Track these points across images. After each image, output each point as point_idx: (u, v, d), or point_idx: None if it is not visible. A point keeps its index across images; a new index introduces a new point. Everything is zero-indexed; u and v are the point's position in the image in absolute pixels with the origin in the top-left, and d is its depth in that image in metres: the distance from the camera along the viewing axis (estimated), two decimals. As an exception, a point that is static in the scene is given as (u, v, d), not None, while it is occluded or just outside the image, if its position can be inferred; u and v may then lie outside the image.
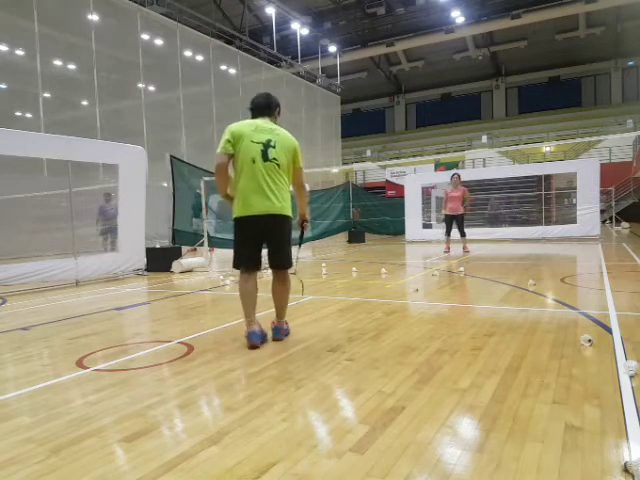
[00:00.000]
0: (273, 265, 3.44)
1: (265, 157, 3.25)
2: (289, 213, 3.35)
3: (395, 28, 27.30)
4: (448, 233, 10.54)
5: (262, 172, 3.24)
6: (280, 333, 3.49)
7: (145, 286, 7.07)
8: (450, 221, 10.47)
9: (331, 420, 2.04)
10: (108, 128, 13.79)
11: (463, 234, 10.40)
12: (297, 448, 1.81)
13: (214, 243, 10.22)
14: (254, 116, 3.48)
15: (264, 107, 3.49)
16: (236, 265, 3.42)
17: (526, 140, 28.83)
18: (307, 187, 3.46)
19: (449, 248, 10.55)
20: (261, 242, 3.39)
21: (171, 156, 9.69)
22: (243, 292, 3.35)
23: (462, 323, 3.78)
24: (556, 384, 2.35)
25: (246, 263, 3.38)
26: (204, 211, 8.88)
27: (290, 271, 3.53)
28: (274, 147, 3.29)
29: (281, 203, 3.28)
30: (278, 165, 3.29)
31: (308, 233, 3.35)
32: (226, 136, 3.28)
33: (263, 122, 3.39)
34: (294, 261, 3.58)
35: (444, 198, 10.67)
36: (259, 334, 3.31)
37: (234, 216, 3.36)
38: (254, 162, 3.23)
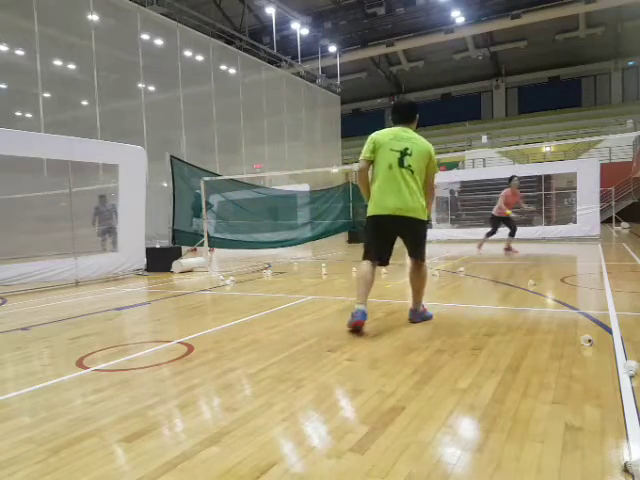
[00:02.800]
0: (410, 255, 3.80)
1: (401, 164, 3.56)
2: (421, 216, 3.60)
3: (395, 28, 27.27)
4: (493, 233, 10.06)
5: (397, 177, 3.55)
6: (416, 316, 3.84)
7: (145, 286, 7.07)
8: (500, 222, 9.98)
9: (331, 420, 2.04)
10: (108, 128, 13.79)
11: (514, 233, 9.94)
12: (297, 448, 1.81)
13: (214, 243, 10.22)
14: (395, 121, 3.77)
15: (407, 116, 3.77)
16: (364, 258, 3.73)
17: (526, 140, 28.80)
18: (434, 189, 3.80)
19: (510, 247, 9.95)
20: (390, 240, 3.70)
21: (171, 156, 9.69)
22: (360, 275, 3.66)
23: (462, 323, 3.78)
24: (556, 384, 2.35)
25: (372, 258, 3.69)
26: (204, 211, 8.88)
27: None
28: (410, 155, 3.57)
29: (414, 204, 3.55)
30: (412, 171, 3.57)
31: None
32: (368, 144, 3.67)
33: (402, 131, 3.68)
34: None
35: (504, 199, 10.00)
36: (364, 313, 3.50)
37: (367, 214, 3.72)
38: (390, 168, 3.56)
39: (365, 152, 3.66)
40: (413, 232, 3.67)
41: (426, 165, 3.64)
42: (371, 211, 3.67)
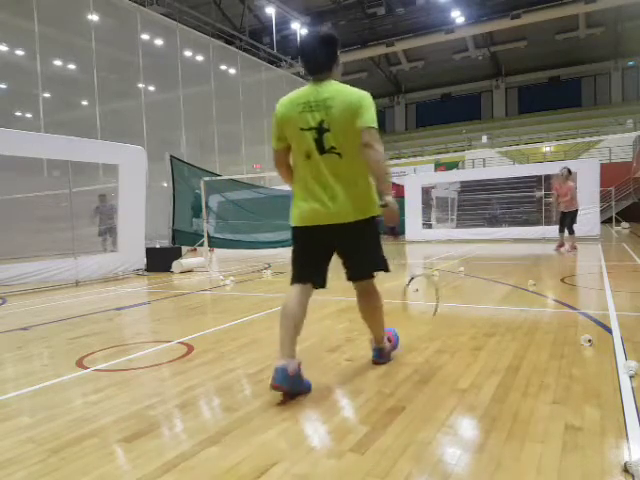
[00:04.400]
0: (353, 276, 2.66)
1: (321, 148, 2.38)
2: (365, 213, 2.46)
3: (395, 28, 27.28)
4: (562, 230, 9.88)
5: (319, 170, 2.40)
6: (382, 355, 2.81)
7: (145, 286, 7.07)
8: (563, 217, 9.82)
9: (331, 420, 2.04)
10: (108, 128, 13.79)
11: (571, 231, 9.71)
12: (297, 448, 1.81)
13: (214, 243, 10.22)
14: (307, 71, 2.53)
15: (319, 59, 2.45)
16: (291, 281, 2.59)
17: (526, 140, 28.81)
18: (380, 151, 2.32)
19: (563, 245, 9.88)
20: (322, 255, 2.58)
21: (171, 156, 9.71)
22: (283, 311, 2.46)
23: (462, 323, 3.78)
24: (556, 384, 2.35)
25: (302, 279, 2.55)
26: (204, 211, 8.89)
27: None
28: (329, 129, 2.36)
29: (353, 202, 2.41)
30: (340, 154, 2.38)
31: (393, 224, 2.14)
32: (273, 126, 2.52)
33: (315, 90, 2.41)
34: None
35: (555, 194, 9.96)
36: (287, 373, 2.25)
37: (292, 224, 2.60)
38: (309, 157, 2.41)
39: (272, 139, 2.53)
40: (354, 239, 2.50)
41: (355, 125, 2.33)
42: (293, 220, 2.54)
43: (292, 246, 2.60)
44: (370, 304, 2.70)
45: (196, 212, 10.10)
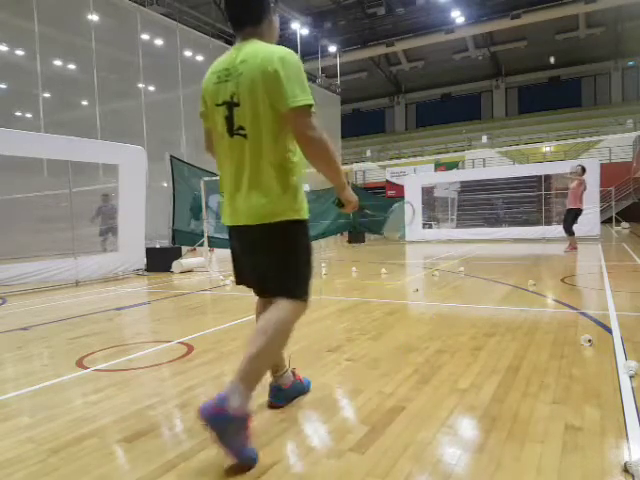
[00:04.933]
0: (263, 292, 2.13)
1: (230, 129, 1.89)
2: (271, 217, 1.85)
3: (395, 28, 27.28)
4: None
5: (229, 156, 1.92)
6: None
7: (145, 286, 7.07)
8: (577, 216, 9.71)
9: (331, 420, 2.04)
10: (108, 128, 13.80)
11: (570, 232, 9.63)
12: (297, 448, 1.81)
13: (213, 243, 10.22)
14: (233, 28, 1.97)
15: (246, 14, 1.92)
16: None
17: (526, 140, 28.82)
18: (321, 139, 1.78)
19: (574, 246, 9.75)
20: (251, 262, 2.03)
21: (171, 156, 9.71)
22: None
23: (462, 323, 3.78)
24: (556, 384, 2.35)
25: (248, 286, 2.15)
26: (204, 211, 8.88)
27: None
28: (239, 104, 1.84)
29: (259, 198, 1.85)
30: (246, 137, 1.85)
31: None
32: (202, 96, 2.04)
33: (234, 53, 1.89)
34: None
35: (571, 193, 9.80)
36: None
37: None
38: (223, 138, 1.94)
39: (200, 115, 2.10)
40: (255, 250, 1.94)
41: (270, 101, 1.78)
42: (223, 219, 2.08)
43: None
44: (270, 322, 1.86)
45: (195, 214, 10.09)
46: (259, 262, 1.95)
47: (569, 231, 9.72)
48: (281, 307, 1.88)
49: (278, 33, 2.03)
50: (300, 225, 1.93)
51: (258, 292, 2.14)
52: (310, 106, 1.76)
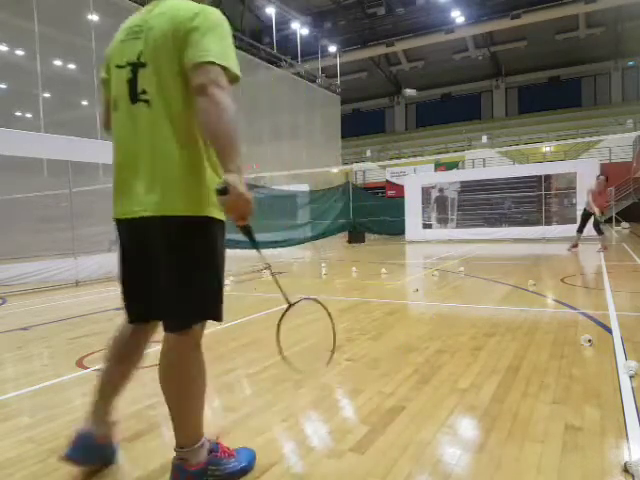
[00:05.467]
0: (157, 315, 1.74)
1: (133, 95, 1.53)
2: (181, 209, 1.48)
3: (395, 28, 27.28)
4: (581, 230, 9.98)
5: (126, 128, 1.54)
6: (186, 474, 1.54)
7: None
8: (587, 218, 9.86)
9: (331, 420, 2.04)
10: (108, 128, 13.79)
11: (600, 232, 9.72)
12: (297, 448, 1.81)
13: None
14: None
15: None
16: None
17: (526, 140, 28.80)
18: (223, 102, 1.39)
19: (576, 246, 9.95)
20: (145, 270, 1.60)
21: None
22: (105, 353, 1.79)
23: (462, 323, 3.78)
24: (556, 384, 2.35)
25: (126, 310, 1.73)
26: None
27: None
28: (144, 64, 1.51)
29: (163, 182, 1.48)
30: (148, 103, 1.50)
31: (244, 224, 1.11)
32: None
33: (149, 8, 1.60)
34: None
35: (590, 197, 9.87)
36: (83, 444, 1.63)
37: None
38: (117, 109, 1.58)
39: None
40: (158, 249, 1.52)
41: (180, 61, 1.46)
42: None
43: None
44: (173, 374, 1.60)
45: None
46: (162, 267, 1.52)
47: (601, 231, 9.78)
48: (182, 340, 1.57)
49: None
50: (220, 226, 1.61)
51: (141, 316, 1.69)
52: (222, 67, 1.41)
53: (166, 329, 1.61)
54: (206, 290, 1.58)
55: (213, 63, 1.40)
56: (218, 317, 1.64)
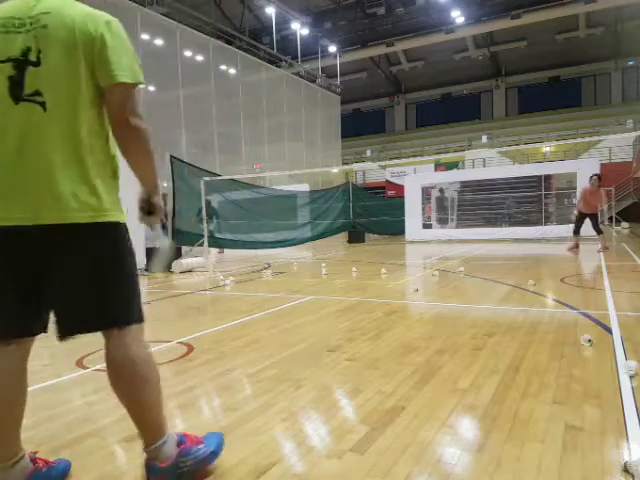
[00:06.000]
0: (67, 326, 1.61)
1: (15, 93, 1.42)
2: (89, 214, 1.47)
3: (395, 28, 27.28)
4: (577, 232, 9.89)
5: (14, 129, 1.43)
6: (159, 473, 1.54)
7: (145, 286, 7.07)
8: (583, 219, 9.81)
9: (331, 420, 2.04)
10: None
11: (599, 231, 9.72)
12: (297, 448, 1.81)
13: (213, 243, 10.22)
14: None
15: None
16: None
17: (526, 140, 28.80)
18: (143, 130, 1.50)
19: (576, 247, 9.84)
20: (19, 284, 1.51)
21: (171, 156, 9.71)
22: None
23: (462, 323, 3.78)
24: (556, 384, 2.35)
25: None
26: (204, 211, 8.89)
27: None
28: (37, 62, 1.42)
29: (62, 186, 1.43)
30: (43, 105, 1.42)
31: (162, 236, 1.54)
32: None
33: (25, 2, 1.48)
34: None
35: (581, 196, 9.94)
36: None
37: None
38: None
39: None
40: (69, 259, 1.48)
41: (90, 69, 1.44)
42: None
43: None
44: (123, 371, 1.53)
45: (209, 215, 10.06)
46: (76, 276, 1.49)
47: (600, 231, 9.73)
48: (131, 343, 1.51)
49: None
50: (126, 230, 1.59)
51: (65, 328, 1.59)
52: (138, 84, 1.48)
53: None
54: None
55: (131, 84, 1.45)
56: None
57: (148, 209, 1.63)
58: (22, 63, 1.42)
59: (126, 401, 1.55)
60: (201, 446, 1.63)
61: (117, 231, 1.55)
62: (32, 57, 1.42)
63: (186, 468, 1.56)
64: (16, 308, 1.52)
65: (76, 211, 1.44)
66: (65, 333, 1.55)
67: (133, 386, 1.53)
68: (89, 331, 1.53)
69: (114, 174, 1.59)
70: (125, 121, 1.45)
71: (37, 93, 1.42)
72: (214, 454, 1.65)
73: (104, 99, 1.47)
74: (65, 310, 1.55)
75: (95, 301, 1.50)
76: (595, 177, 9.68)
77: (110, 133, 1.51)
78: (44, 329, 1.62)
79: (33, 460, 1.55)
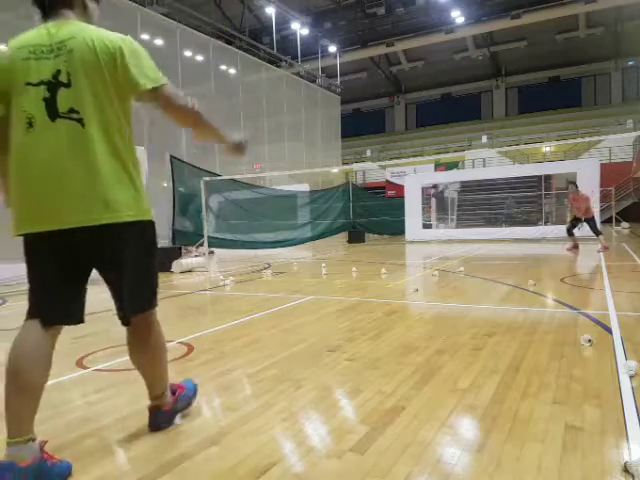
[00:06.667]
0: (123, 307, 1.87)
1: (52, 111, 1.62)
2: (129, 213, 1.70)
3: (395, 28, 27.28)
4: (571, 233, 9.90)
5: (50, 145, 1.62)
6: (162, 417, 2.00)
7: (145, 286, 7.07)
8: (576, 223, 9.85)
9: (331, 420, 2.04)
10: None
11: (598, 233, 9.75)
12: (297, 448, 1.81)
13: (213, 243, 10.22)
14: (44, 18, 1.74)
15: None
16: (27, 316, 1.91)
17: (526, 140, 28.80)
18: (184, 104, 1.77)
19: (575, 247, 9.80)
20: (69, 275, 1.83)
21: (171, 156, 9.72)
22: (12, 362, 1.75)
23: (462, 323, 3.78)
24: (556, 384, 2.35)
25: (40, 312, 1.85)
26: (204, 211, 8.89)
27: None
28: (69, 84, 1.62)
29: (103, 191, 1.65)
30: (81, 122, 1.63)
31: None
32: None
33: (47, 30, 1.67)
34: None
35: (570, 203, 10.18)
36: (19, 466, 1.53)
37: (14, 232, 1.77)
38: (31, 126, 1.63)
39: None
40: (119, 253, 1.76)
41: (117, 85, 1.67)
42: (18, 226, 1.73)
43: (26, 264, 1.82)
44: (147, 344, 1.94)
45: (183, 211, 10.06)
46: (124, 265, 1.78)
47: (599, 232, 9.79)
48: (150, 323, 1.97)
49: (95, 18, 1.86)
50: (153, 228, 1.87)
51: (127, 311, 1.88)
52: (162, 86, 1.73)
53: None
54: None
55: (164, 85, 1.72)
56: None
57: (237, 147, 2.06)
58: (54, 85, 1.63)
59: (150, 366, 1.97)
60: (185, 391, 2.15)
61: (153, 227, 1.86)
62: (63, 79, 1.63)
63: (179, 407, 2.11)
64: (63, 297, 1.81)
65: (121, 210, 1.68)
66: (127, 316, 1.88)
67: (157, 353, 1.99)
68: (143, 312, 1.93)
69: (132, 173, 1.75)
70: (168, 112, 1.76)
71: (72, 111, 1.63)
72: (194, 396, 2.22)
73: (147, 98, 1.73)
74: (123, 296, 1.85)
75: (143, 286, 1.92)
76: (571, 185, 10.03)
77: (124, 146, 1.73)
78: (81, 320, 1.92)
79: (41, 448, 1.63)
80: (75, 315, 1.87)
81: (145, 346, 1.94)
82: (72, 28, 1.68)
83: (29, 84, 1.63)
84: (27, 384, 1.67)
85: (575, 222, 9.87)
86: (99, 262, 1.82)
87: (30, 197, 1.65)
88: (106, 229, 1.67)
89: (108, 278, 1.87)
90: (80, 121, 1.63)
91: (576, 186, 10.04)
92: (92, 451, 1.85)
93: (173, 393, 2.09)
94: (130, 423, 2.10)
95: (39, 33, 1.68)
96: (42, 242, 1.71)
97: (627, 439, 1.77)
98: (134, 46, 1.71)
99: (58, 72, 1.63)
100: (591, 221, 9.79)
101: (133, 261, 1.79)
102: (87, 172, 1.63)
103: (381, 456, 1.71)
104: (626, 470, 1.55)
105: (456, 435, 1.85)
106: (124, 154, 1.70)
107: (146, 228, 1.81)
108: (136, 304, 1.87)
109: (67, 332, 4.11)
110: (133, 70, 1.67)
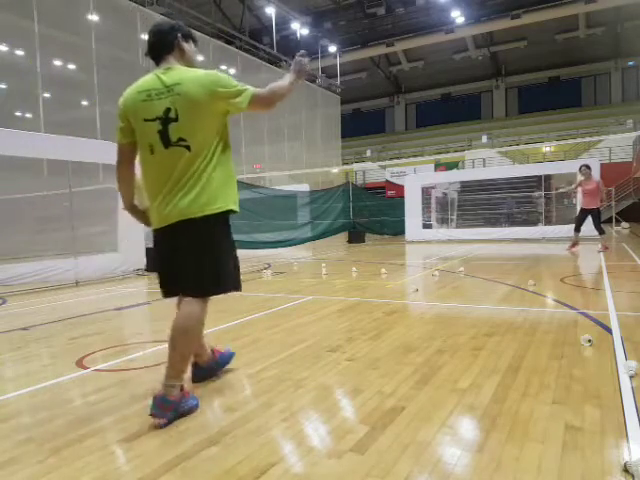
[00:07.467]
0: (187, 290, 2.31)
1: (166, 141, 2.14)
2: (206, 209, 2.17)
3: (395, 28, 27.28)
4: (578, 229, 9.72)
5: (164, 166, 2.16)
6: (162, 407, 2.07)
7: (145, 286, 7.07)
8: (583, 216, 9.64)
9: (331, 420, 2.04)
10: (108, 128, 13.79)
11: (601, 231, 9.50)
12: (297, 448, 1.81)
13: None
14: (155, 61, 2.31)
15: (157, 46, 2.28)
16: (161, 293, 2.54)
17: (526, 140, 28.80)
18: (277, 95, 2.34)
19: (575, 246, 9.73)
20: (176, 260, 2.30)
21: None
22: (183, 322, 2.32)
23: (462, 323, 3.78)
24: (556, 384, 2.35)
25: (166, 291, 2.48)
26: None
27: None
28: (177, 119, 2.12)
29: (196, 199, 2.15)
30: (188, 148, 2.13)
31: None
32: (118, 117, 2.30)
33: (157, 77, 2.19)
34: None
35: (578, 188, 9.82)
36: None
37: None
38: (152, 152, 2.17)
39: (117, 132, 2.29)
40: (188, 244, 2.20)
41: (213, 113, 2.18)
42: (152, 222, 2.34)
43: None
44: (188, 322, 2.25)
45: None
46: (190, 254, 2.21)
47: (602, 230, 9.58)
48: (197, 304, 2.26)
49: (193, 56, 2.37)
50: (218, 219, 2.25)
51: (179, 293, 2.41)
52: (253, 97, 2.22)
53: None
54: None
55: (252, 97, 2.21)
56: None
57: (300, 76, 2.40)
58: (165, 120, 2.12)
59: (185, 348, 2.21)
60: (189, 399, 2.23)
61: (217, 221, 2.26)
62: (172, 115, 2.12)
63: (181, 410, 2.16)
64: (172, 277, 2.34)
65: (206, 206, 2.16)
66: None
67: (193, 336, 2.28)
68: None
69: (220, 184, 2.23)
70: (259, 111, 2.32)
71: (181, 139, 2.12)
72: (196, 406, 2.26)
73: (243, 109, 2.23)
74: (185, 277, 2.26)
75: (208, 272, 2.26)
76: (584, 167, 9.57)
77: (222, 148, 2.27)
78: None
79: (212, 351, 2.65)
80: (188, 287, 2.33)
81: (187, 322, 2.26)
82: (175, 74, 2.17)
83: (146, 120, 2.15)
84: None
85: (582, 215, 9.60)
86: (180, 254, 2.27)
87: (152, 203, 2.24)
88: (180, 225, 2.19)
89: (182, 266, 2.29)
90: (188, 147, 2.13)
91: (589, 169, 9.57)
92: (92, 451, 1.85)
93: (181, 390, 2.22)
94: (130, 423, 2.10)
95: (152, 79, 2.20)
96: (159, 236, 2.33)
97: (627, 439, 1.77)
98: (219, 77, 2.18)
99: (168, 110, 2.12)
100: (596, 215, 9.56)
101: (195, 252, 2.25)
102: (188, 186, 2.15)
103: (381, 456, 1.71)
104: (626, 470, 1.55)
105: (456, 435, 1.85)
106: (218, 167, 2.21)
107: (213, 222, 2.24)
108: (195, 289, 2.30)
109: (67, 332, 4.13)
110: (229, 98, 2.17)
